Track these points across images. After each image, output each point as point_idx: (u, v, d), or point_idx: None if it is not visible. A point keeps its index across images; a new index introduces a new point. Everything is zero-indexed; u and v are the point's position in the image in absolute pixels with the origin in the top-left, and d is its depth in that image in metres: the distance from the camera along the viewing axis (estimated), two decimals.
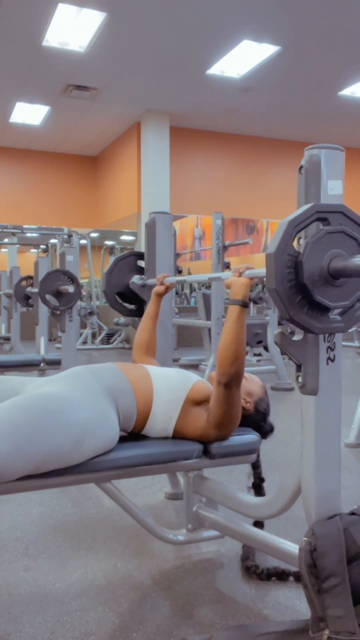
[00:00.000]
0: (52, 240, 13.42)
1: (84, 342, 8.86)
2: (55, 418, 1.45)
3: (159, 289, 2.16)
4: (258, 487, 1.93)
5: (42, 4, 5.41)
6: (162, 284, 2.15)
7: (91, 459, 1.53)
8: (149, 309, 2.18)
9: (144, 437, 1.74)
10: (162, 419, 1.71)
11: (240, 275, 1.60)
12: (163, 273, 2.20)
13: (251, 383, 1.86)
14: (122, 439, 1.69)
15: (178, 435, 1.73)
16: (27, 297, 5.26)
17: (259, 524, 1.83)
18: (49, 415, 1.45)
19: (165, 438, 1.73)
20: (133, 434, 1.74)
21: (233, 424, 1.69)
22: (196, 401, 1.72)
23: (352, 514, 1.29)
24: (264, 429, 1.87)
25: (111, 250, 12.58)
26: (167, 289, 2.16)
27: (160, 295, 2.16)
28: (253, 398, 1.84)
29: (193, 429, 1.71)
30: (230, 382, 1.58)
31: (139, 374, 1.76)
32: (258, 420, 1.85)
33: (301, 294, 1.20)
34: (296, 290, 1.19)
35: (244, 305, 1.58)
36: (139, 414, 1.69)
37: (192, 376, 1.81)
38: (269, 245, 1.20)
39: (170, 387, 1.73)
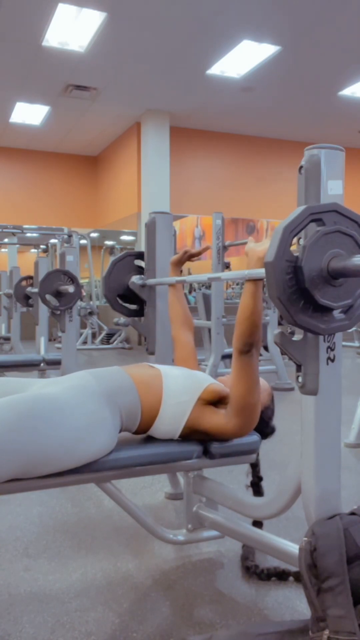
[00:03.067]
0: (52, 240, 13.42)
1: (84, 342, 8.86)
2: (46, 422, 1.42)
3: (174, 257, 2.12)
4: (256, 486, 1.93)
5: (42, 4, 5.42)
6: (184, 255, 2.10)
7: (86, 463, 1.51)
8: (175, 316, 2.14)
9: (144, 437, 1.73)
10: (171, 421, 1.68)
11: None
12: (185, 249, 2.13)
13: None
14: (123, 438, 1.69)
15: (188, 436, 1.71)
16: (27, 297, 5.26)
17: (257, 523, 1.83)
18: (40, 418, 1.41)
19: (171, 440, 1.71)
20: (138, 434, 1.72)
21: (254, 409, 1.64)
22: (211, 400, 1.70)
23: (352, 514, 1.29)
24: (265, 432, 1.87)
25: (111, 250, 12.58)
26: (190, 256, 2.11)
27: (176, 264, 2.13)
28: None
29: (210, 423, 1.67)
30: (250, 349, 1.58)
31: (147, 374, 1.73)
32: (261, 427, 1.85)
33: (303, 298, 1.19)
34: (298, 296, 1.19)
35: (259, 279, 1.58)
36: (144, 413, 1.66)
37: (206, 378, 1.78)
38: (267, 252, 1.19)
39: (182, 389, 1.70)
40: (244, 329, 1.57)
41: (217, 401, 1.71)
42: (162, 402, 1.68)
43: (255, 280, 1.55)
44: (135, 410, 1.65)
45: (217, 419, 1.67)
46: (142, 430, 1.71)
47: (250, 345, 1.58)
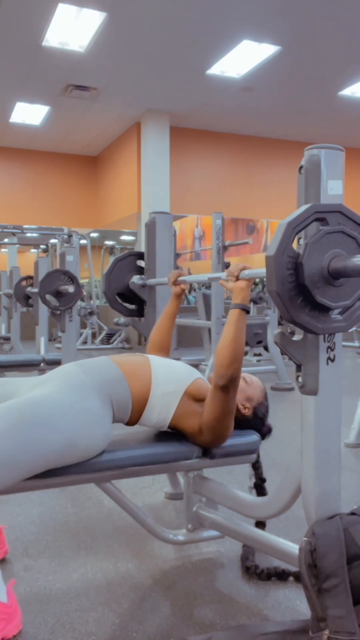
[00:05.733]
0: (52, 240, 13.42)
1: (84, 342, 8.86)
2: (41, 426, 1.41)
3: (176, 290, 2.09)
4: (259, 488, 1.92)
5: (42, 4, 5.41)
6: (175, 283, 2.08)
7: (88, 459, 1.52)
8: (167, 307, 2.12)
9: (144, 437, 1.73)
10: (159, 410, 1.69)
11: (237, 279, 1.61)
12: (175, 272, 2.12)
13: (251, 387, 1.84)
14: (123, 438, 1.69)
15: (174, 428, 1.72)
16: (27, 297, 5.26)
17: (260, 524, 1.82)
18: (35, 422, 1.41)
19: (164, 433, 1.72)
20: (131, 425, 1.73)
21: (225, 431, 1.66)
22: (195, 397, 1.70)
23: (352, 514, 1.29)
24: (262, 432, 1.86)
25: (111, 250, 12.59)
26: (184, 288, 2.10)
27: (178, 296, 2.11)
28: (252, 403, 1.83)
29: (188, 425, 1.69)
30: (227, 384, 1.57)
31: (136, 364, 1.72)
32: (256, 425, 1.84)
33: (302, 295, 1.19)
34: (297, 292, 1.19)
35: (244, 309, 1.60)
36: (134, 404, 1.66)
37: (194, 372, 1.79)
38: (268, 247, 1.20)
39: (170, 379, 1.70)
40: (222, 357, 1.57)
41: (201, 397, 1.71)
42: (151, 389, 1.68)
43: (240, 309, 1.59)
44: (126, 400, 1.65)
45: (194, 426, 1.69)
46: (134, 420, 1.71)
47: (227, 379, 1.56)
